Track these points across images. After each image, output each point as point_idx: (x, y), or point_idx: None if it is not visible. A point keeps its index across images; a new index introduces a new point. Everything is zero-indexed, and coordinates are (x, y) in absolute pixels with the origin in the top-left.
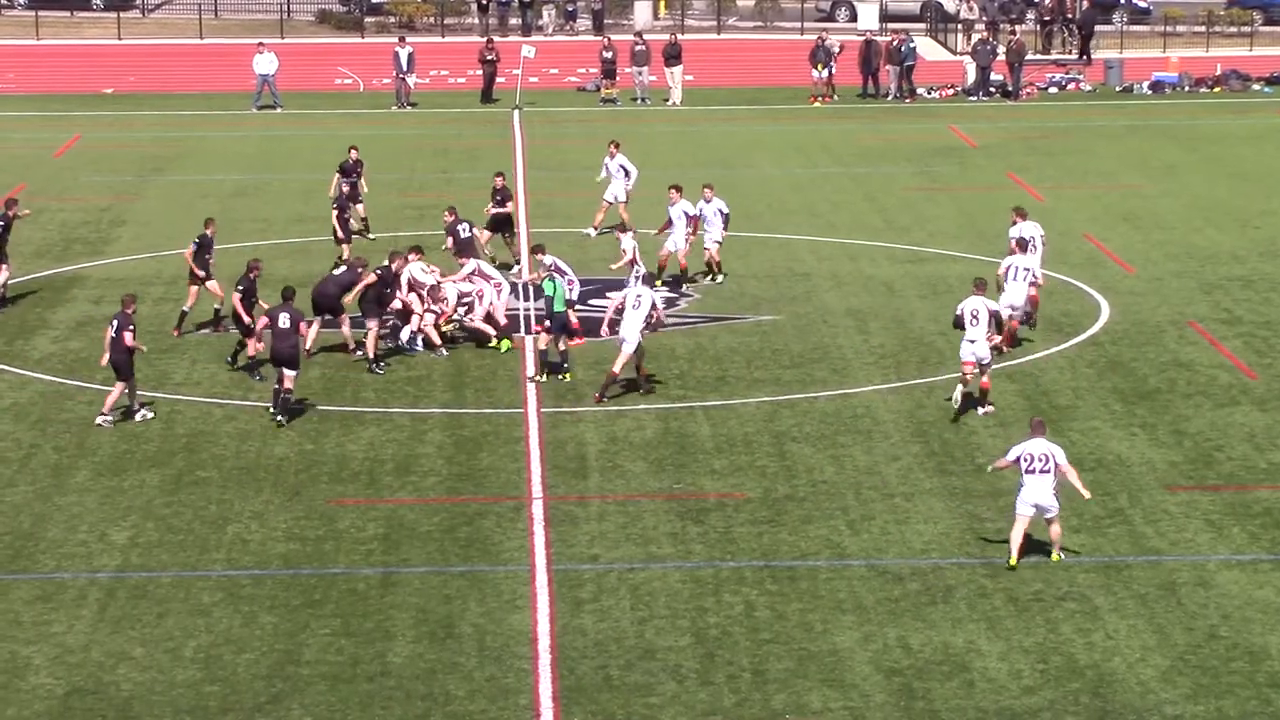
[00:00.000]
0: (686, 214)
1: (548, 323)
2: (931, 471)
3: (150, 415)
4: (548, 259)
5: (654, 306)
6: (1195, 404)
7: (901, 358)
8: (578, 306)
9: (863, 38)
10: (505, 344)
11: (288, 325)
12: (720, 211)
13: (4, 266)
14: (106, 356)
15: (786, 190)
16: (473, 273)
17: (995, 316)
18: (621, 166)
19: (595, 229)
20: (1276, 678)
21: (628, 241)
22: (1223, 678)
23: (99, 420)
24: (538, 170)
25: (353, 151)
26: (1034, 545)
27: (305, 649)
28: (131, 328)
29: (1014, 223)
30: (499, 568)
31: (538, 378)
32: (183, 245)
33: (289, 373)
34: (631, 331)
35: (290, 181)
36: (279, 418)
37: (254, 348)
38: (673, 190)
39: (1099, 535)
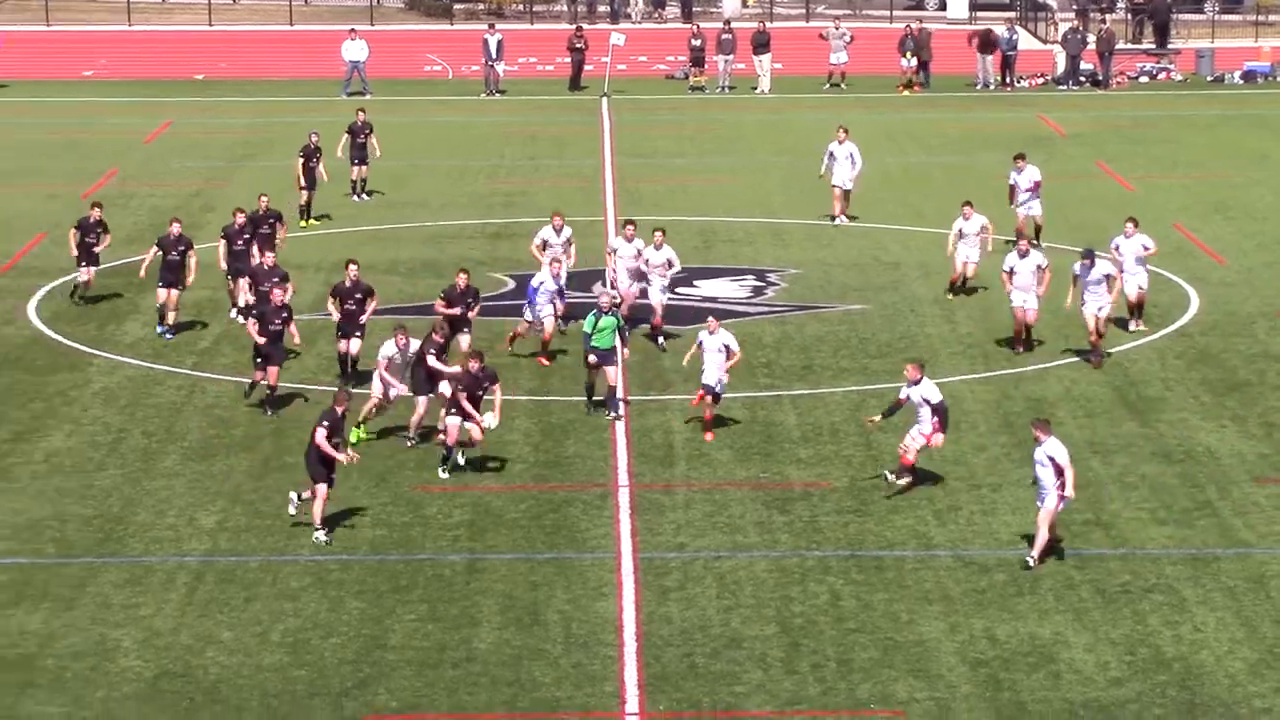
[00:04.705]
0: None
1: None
2: (1018, 462)
3: (414, 442)
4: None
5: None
6: None
7: (989, 348)
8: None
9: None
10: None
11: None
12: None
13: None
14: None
15: (875, 179)
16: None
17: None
18: (850, 155)
19: (842, 216)
20: None
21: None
22: None
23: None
24: (626, 157)
25: (360, 114)
26: (1129, 534)
27: (392, 634)
28: (432, 351)
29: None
30: (585, 555)
31: (610, 416)
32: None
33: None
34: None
35: (379, 167)
36: None
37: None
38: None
39: (1187, 528)
